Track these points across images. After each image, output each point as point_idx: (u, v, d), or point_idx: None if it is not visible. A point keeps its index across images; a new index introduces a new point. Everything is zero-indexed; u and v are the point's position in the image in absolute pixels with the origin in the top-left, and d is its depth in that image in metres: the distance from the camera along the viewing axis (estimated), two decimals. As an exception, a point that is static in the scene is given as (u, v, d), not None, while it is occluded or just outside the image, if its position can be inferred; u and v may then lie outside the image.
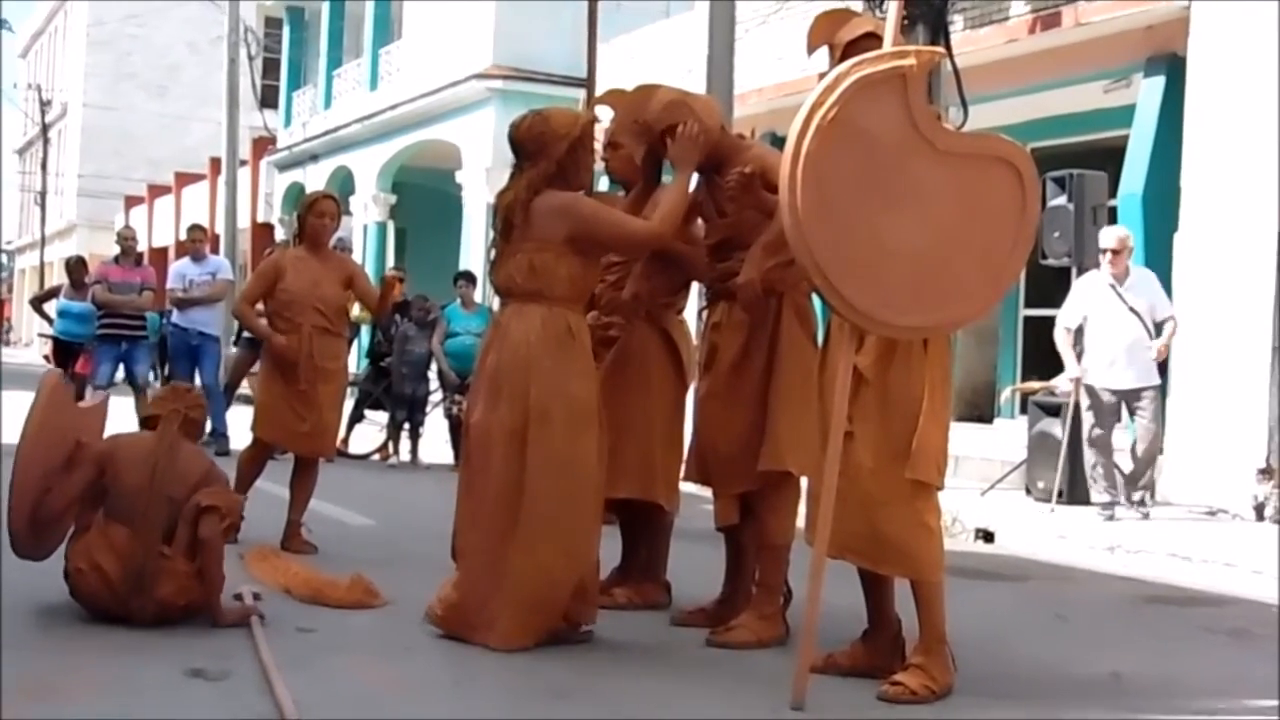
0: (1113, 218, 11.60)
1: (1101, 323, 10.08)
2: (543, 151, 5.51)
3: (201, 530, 5.43)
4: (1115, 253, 10.00)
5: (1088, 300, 10.21)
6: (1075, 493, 10.40)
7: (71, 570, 5.48)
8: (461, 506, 5.49)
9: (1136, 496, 9.98)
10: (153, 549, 5.39)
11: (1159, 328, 9.95)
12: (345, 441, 13.14)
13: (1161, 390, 10.21)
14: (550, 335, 5.38)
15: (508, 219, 5.56)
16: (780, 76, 15.22)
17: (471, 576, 5.33)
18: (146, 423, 5.92)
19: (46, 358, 15.85)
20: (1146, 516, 9.82)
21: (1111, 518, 9.74)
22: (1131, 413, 10.13)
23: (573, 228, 5.41)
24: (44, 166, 52.89)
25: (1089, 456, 10.18)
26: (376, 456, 14.32)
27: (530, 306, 5.43)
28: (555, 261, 5.41)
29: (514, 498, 5.29)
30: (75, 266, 15.49)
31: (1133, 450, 10.07)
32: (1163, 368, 10.19)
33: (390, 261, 25.08)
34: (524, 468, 5.29)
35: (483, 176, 23.51)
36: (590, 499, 5.42)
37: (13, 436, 5.51)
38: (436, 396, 14.44)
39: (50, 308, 15.61)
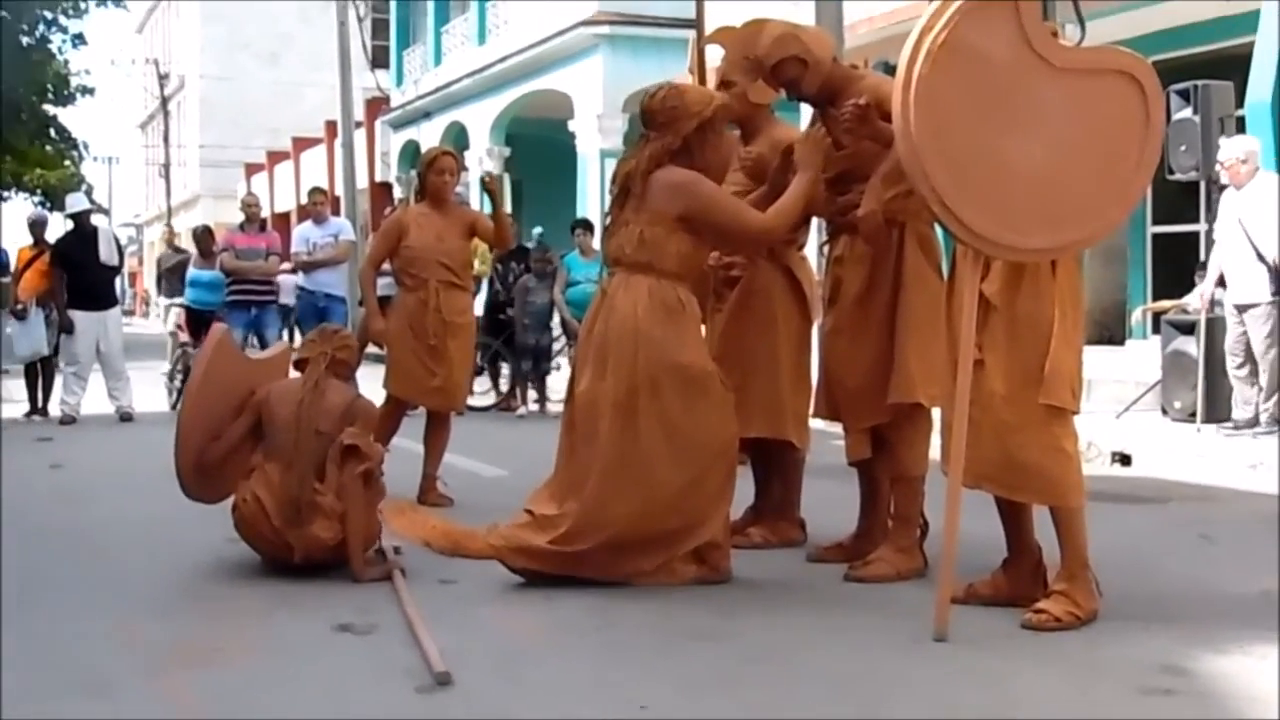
0: (1241, 128, 11.32)
1: (1220, 237, 10.04)
2: (671, 125, 5.52)
3: (342, 475, 5.63)
4: (1230, 166, 9.90)
5: (1219, 215, 10.09)
6: (1214, 411, 10.21)
7: (237, 502, 5.73)
8: (562, 473, 5.53)
9: (1268, 413, 9.75)
10: (306, 484, 5.61)
11: None
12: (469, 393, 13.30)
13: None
14: (658, 305, 5.39)
15: (625, 187, 5.59)
16: (890, 4, 15.02)
17: (571, 538, 5.35)
18: (298, 365, 6.13)
19: (179, 327, 16.16)
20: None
21: (1254, 434, 9.57)
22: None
23: (688, 207, 5.41)
24: (166, 139, 53.85)
25: (1230, 373, 10.06)
26: (500, 408, 14.44)
27: (637, 277, 5.45)
28: (666, 237, 5.42)
29: (620, 469, 5.30)
30: (202, 236, 15.75)
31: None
32: None
33: (509, 213, 25.12)
34: (636, 437, 5.29)
35: (594, 124, 23.60)
36: (711, 460, 5.40)
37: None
38: (560, 345, 14.57)
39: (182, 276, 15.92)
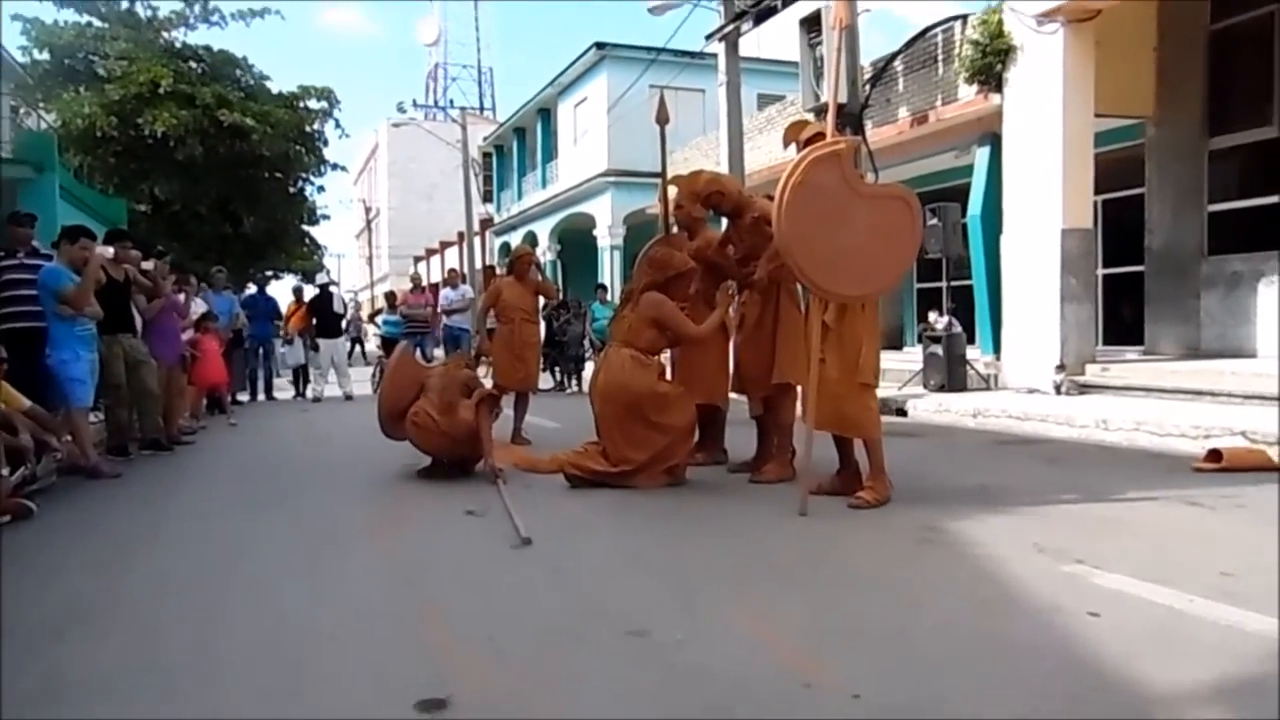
0: (965, 230, 11.33)
1: None
2: (660, 269, 5.66)
3: (479, 406, 5.79)
4: None
5: None
6: (951, 384, 10.18)
7: (415, 419, 5.81)
8: (601, 441, 5.47)
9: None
10: (453, 399, 5.79)
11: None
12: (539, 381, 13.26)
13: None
14: (634, 362, 5.41)
15: (629, 297, 5.70)
16: (771, 161, 15.01)
17: (609, 465, 5.35)
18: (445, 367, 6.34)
19: (378, 347, 16.14)
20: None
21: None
22: None
23: (656, 315, 5.47)
24: (370, 243, 53.63)
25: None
26: (556, 390, 14.40)
27: (625, 349, 5.46)
28: (642, 329, 5.47)
29: (626, 441, 5.31)
30: (389, 297, 15.76)
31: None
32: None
33: (560, 286, 24.96)
34: (633, 428, 5.29)
35: (606, 232, 23.65)
36: (676, 432, 5.37)
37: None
38: (588, 354, 14.55)
39: (378, 319, 15.89)
